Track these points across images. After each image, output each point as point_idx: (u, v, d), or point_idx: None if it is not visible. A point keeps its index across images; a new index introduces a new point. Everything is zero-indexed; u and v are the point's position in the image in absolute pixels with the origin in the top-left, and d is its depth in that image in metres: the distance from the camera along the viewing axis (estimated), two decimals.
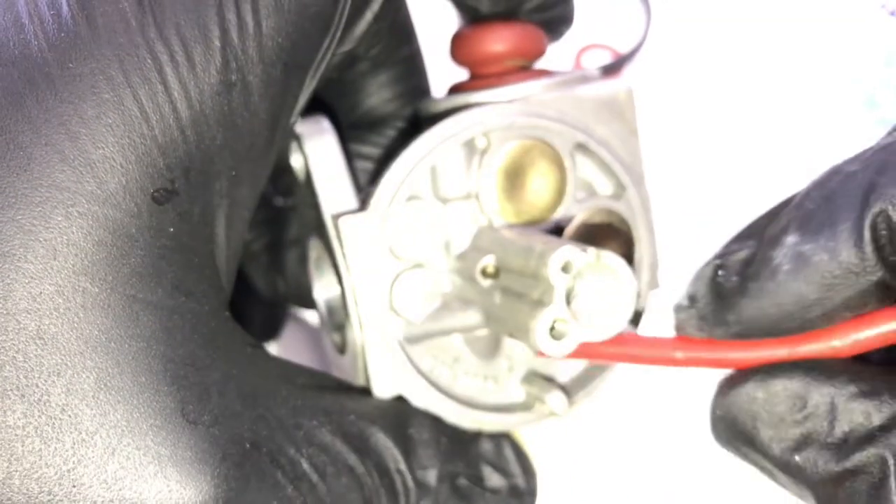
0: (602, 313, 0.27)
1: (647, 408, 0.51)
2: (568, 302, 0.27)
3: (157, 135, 0.24)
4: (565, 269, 0.27)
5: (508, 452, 0.33)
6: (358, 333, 0.31)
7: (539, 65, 0.35)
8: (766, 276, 0.24)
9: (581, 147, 0.33)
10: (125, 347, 0.23)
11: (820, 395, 0.23)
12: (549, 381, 0.33)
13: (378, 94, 0.35)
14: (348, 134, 0.35)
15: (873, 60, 0.58)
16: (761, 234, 0.25)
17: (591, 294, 0.27)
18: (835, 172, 0.24)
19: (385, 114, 0.36)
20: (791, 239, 0.24)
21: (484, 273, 0.31)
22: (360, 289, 0.31)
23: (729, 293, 0.25)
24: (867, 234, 0.22)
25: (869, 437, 0.22)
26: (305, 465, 0.26)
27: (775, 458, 0.24)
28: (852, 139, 0.56)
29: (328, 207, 0.32)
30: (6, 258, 0.22)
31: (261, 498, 0.25)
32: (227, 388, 0.25)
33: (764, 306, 0.24)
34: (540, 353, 0.29)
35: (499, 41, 0.33)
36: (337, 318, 0.37)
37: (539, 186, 0.32)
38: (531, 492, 0.33)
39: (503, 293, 0.30)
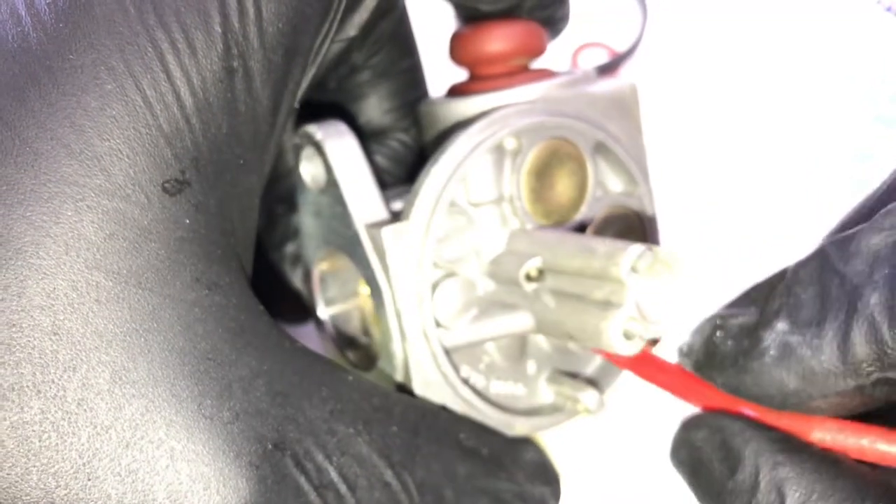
0: (661, 310, 0.27)
1: (662, 413, 0.51)
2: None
3: (163, 124, 0.24)
4: (633, 268, 0.27)
5: (538, 459, 0.32)
6: (399, 347, 0.31)
7: (537, 64, 0.35)
8: (753, 356, 0.25)
9: (600, 146, 0.33)
10: (141, 341, 0.23)
11: (751, 466, 0.25)
12: (577, 377, 0.33)
13: (378, 105, 0.35)
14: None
15: (870, 57, 0.58)
16: (762, 302, 0.26)
17: (653, 291, 0.27)
18: (824, 261, 0.24)
19: (384, 125, 0.36)
20: (781, 326, 0.24)
21: (528, 277, 0.30)
22: (404, 301, 0.30)
23: (720, 358, 0.26)
24: (853, 339, 0.23)
25: None
26: (334, 474, 0.25)
27: (706, 499, 0.26)
28: (849, 137, 0.56)
29: (360, 216, 0.31)
30: (18, 255, 0.22)
31: (279, 501, 0.24)
32: (253, 384, 0.25)
33: (746, 382, 0.25)
34: (605, 355, 0.29)
35: (502, 40, 0.33)
36: (348, 334, 0.37)
37: (566, 186, 0.32)
38: (556, 497, 0.33)
39: (556, 296, 0.30)
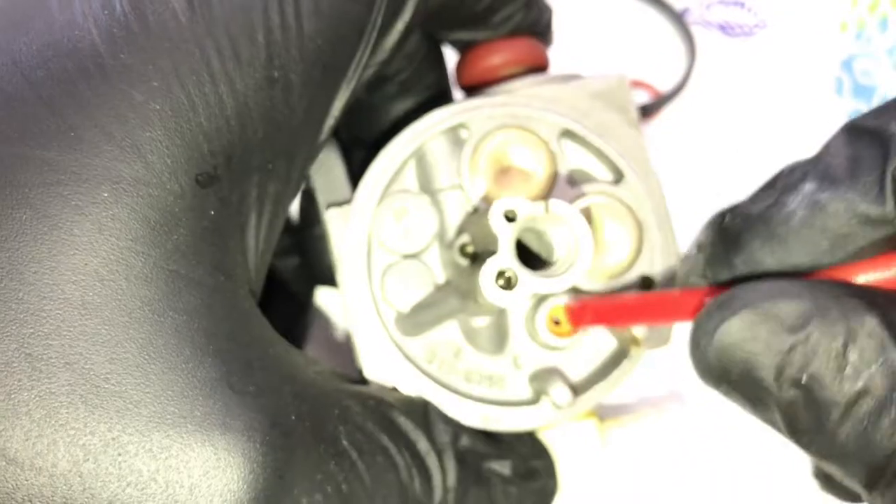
0: (564, 262, 0.27)
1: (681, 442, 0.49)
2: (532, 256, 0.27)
3: (203, 121, 0.25)
4: (508, 217, 0.26)
5: (529, 446, 0.32)
6: (346, 321, 0.32)
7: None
8: (778, 221, 0.23)
9: (569, 133, 0.33)
10: (167, 320, 0.23)
11: (826, 313, 0.21)
12: (557, 373, 0.33)
13: (402, 118, 0.36)
14: (369, 153, 0.36)
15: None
16: (775, 186, 0.24)
17: (554, 243, 0.28)
18: (853, 128, 0.23)
19: None
20: (808, 187, 0.23)
21: (463, 253, 0.31)
22: (347, 277, 0.31)
23: (737, 235, 0.24)
24: (889, 187, 0.21)
25: (876, 360, 0.20)
26: (345, 442, 0.26)
27: (778, 383, 0.21)
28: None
29: (323, 200, 0.33)
30: (54, 230, 0.23)
31: (306, 470, 0.24)
32: (265, 364, 0.25)
33: (773, 250, 0.23)
34: (569, 321, 0.29)
35: (492, 54, 0.35)
36: None
37: (526, 172, 0.33)
38: (552, 487, 0.32)
39: (473, 266, 0.30)
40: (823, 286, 0.22)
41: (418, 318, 0.32)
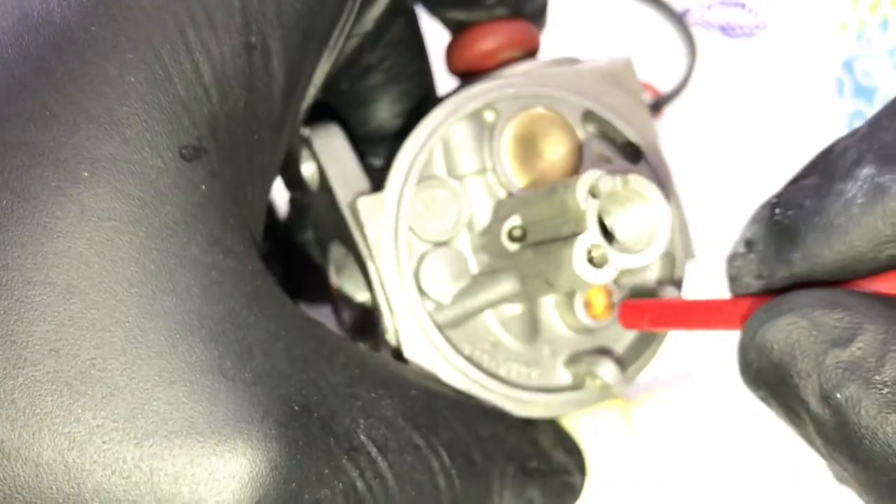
0: (640, 239, 0.26)
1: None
2: (604, 231, 0.26)
3: (181, 92, 0.24)
4: (593, 192, 0.26)
5: (556, 427, 0.31)
6: (389, 322, 0.31)
7: None
8: (836, 211, 0.21)
9: (591, 115, 0.33)
10: (156, 302, 0.22)
11: (873, 329, 0.20)
12: (598, 354, 0.32)
13: (389, 109, 0.35)
14: (359, 147, 0.36)
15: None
16: (823, 170, 0.22)
17: (626, 220, 0.27)
18: None
19: (394, 129, 0.36)
20: (867, 171, 0.21)
21: (511, 237, 0.30)
22: (386, 271, 0.30)
23: (792, 229, 0.22)
24: None
25: None
26: (363, 437, 0.25)
27: (812, 396, 0.20)
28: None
29: (344, 197, 0.32)
30: (35, 214, 0.22)
31: (310, 463, 0.23)
32: (273, 347, 0.24)
33: (833, 242, 0.21)
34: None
35: (488, 37, 0.34)
36: (362, 327, 0.36)
37: (553, 154, 0.32)
38: (580, 468, 0.31)
39: (534, 248, 0.29)
40: (882, 303, 0.20)
41: (462, 307, 0.31)
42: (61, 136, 0.22)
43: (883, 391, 0.19)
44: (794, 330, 0.20)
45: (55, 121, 0.23)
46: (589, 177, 0.26)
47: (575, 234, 0.26)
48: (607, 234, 0.27)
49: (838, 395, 0.19)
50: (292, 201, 0.41)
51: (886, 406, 0.19)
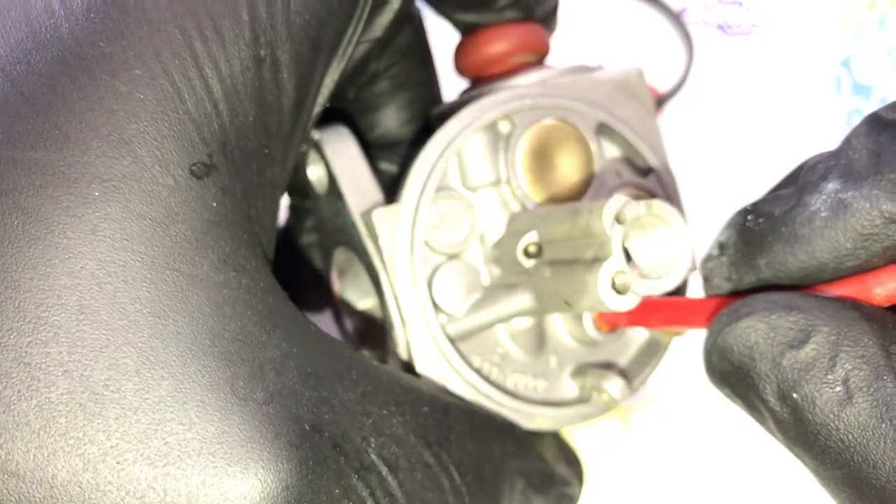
0: (661, 265, 0.26)
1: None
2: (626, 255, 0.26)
3: (191, 108, 0.24)
4: (618, 218, 0.26)
5: (558, 440, 0.31)
6: (401, 333, 0.30)
7: None
8: (801, 222, 0.22)
9: (604, 127, 0.32)
10: (169, 322, 0.22)
11: (825, 330, 0.21)
12: (604, 368, 0.32)
13: (396, 116, 0.35)
14: (367, 151, 0.35)
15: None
16: (795, 183, 0.24)
17: (647, 246, 0.27)
18: (875, 121, 0.22)
19: (401, 136, 0.36)
20: (831, 186, 0.22)
21: (527, 253, 0.30)
22: (401, 285, 0.30)
23: (760, 236, 0.23)
24: None
25: (868, 388, 0.20)
26: (373, 456, 0.25)
27: (772, 395, 0.22)
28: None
29: (356, 206, 0.32)
30: (47, 235, 0.22)
31: (321, 484, 0.23)
32: (285, 366, 0.24)
33: (796, 252, 0.23)
34: (602, 322, 0.28)
35: (499, 40, 0.34)
36: (366, 334, 0.36)
37: (567, 167, 0.32)
38: (579, 478, 0.32)
39: (552, 266, 0.29)
40: (835, 305, 0.21)
41: (475, 320, 0.31)
42: (72, 155, 0.22)
43: (835, 389, 0.20)
44: (752, 333, 0.22)
45: (65, 139, 0.22)
46: (615, 202, 0.26)
47: (598, 259, 0.26)
48: (628, 259, 0.27)
49: (795, 395, 0.21)
50: (292, 208, 0.41)
51: (838, 404, 0.20)
